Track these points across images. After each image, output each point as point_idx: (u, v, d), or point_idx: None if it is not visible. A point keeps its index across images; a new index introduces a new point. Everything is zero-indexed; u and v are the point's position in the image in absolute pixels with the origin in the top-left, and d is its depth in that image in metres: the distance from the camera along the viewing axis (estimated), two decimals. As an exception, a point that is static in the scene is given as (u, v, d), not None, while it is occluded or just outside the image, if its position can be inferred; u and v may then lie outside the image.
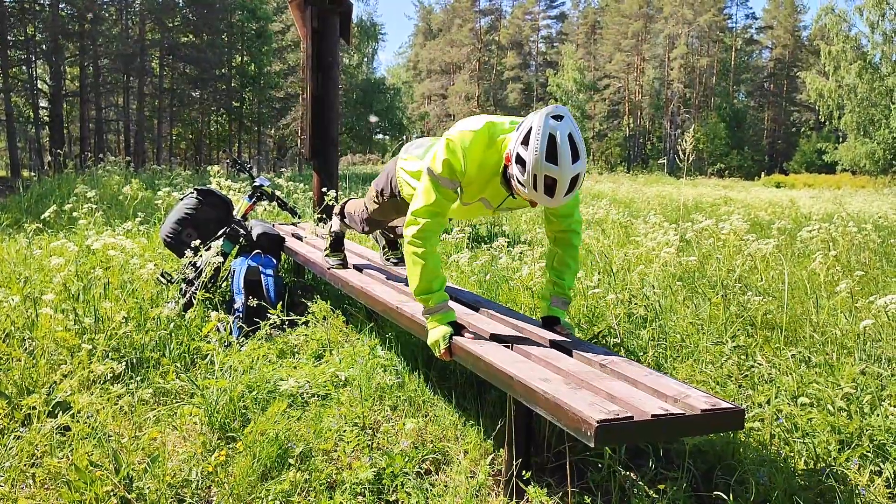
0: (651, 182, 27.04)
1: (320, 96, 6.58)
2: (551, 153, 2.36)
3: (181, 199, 4.96)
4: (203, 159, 33.61)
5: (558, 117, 2.41)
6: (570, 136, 2.39)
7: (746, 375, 3.32)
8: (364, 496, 2.54)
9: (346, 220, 4.05)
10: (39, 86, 29.15)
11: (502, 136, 2.62)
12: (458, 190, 2.74)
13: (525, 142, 2.41)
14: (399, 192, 3.28)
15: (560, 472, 2.59)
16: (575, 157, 2.39)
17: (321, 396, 3.30)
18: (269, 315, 4.01)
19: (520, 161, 2.44)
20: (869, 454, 2.60)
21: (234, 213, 5.03)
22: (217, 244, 4.32)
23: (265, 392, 3.22)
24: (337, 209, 4.16)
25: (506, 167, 2.58)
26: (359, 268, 4.19)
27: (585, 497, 2.40)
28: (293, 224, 6.11)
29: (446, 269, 5.30)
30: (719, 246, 5.55)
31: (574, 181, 2.42)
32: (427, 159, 2.81)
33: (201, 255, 4.28)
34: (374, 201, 3.55)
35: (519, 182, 2.48)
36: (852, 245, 6.11)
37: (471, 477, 2.66)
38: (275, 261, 4.79)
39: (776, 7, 64.01)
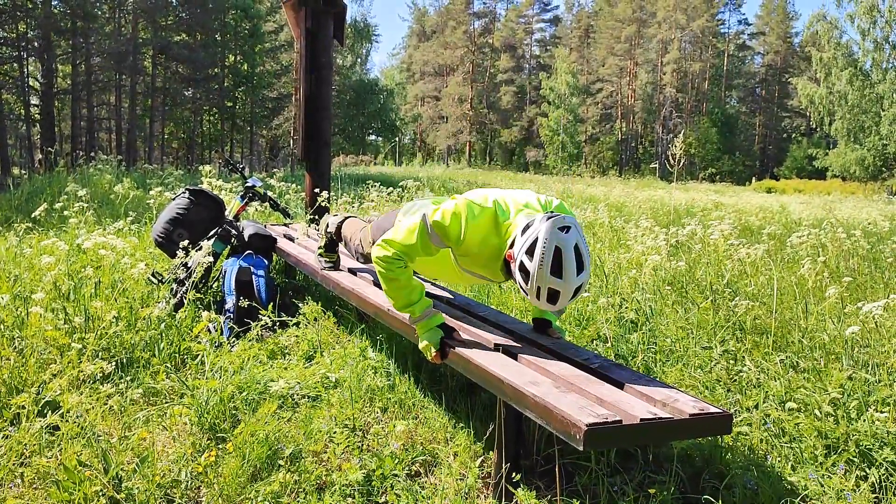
0: (642, 186, 27.14)
1: (313, 97, 6.57)
2: (556, 267, 2.34)
3: (173, 199, 4.95)
4: (195, 159, 33.47)
5: (565, 228, 2.36)
6: (577, 248, 2.36)
7: (735, 380, 3.34)
8: (354, 498, 2.54)
9: (342, 243, 4.03)
10: (31, 83, 28.98)
11: (507, 223, 2.57)
12: (453, 254, 2.70)
13: (530, 251, 2.37)
14: None
15: (549, 476, 2.60)
16: (580, 268, 2.36)
17: (311, 398, 3.31)
18: (260, 316, 4.02)
19: (523, 270, 2.40)
20: (855, 459, 2.62)
21: (226, 213, 5.03)
22: (208, 244, 4.31)
23: (255, 393, 3.23)
24: (333, 224, 4.11)
25: (508, 262, 2.53)
26: (351, 270, 4.19)
27: (574, 500, 2.41)
28: (285, 225, 6.11)
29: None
30: (709, 251, 5.58)
31: (577, 290, 2.40)
32: (429, 207, 2.74)
33: (192, 255, 4.28)
34: (370, 245, 3.54)
35: (521, 288, 2.45)
36: (841, 251, 6.15)
37: (460, 479, 2.67)
38: (266, 261, 4.79)
39: (768, 13, 64.37)
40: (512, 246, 2.48)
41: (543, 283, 2.36)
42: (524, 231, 2.44)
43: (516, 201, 2.65)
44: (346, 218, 4.06)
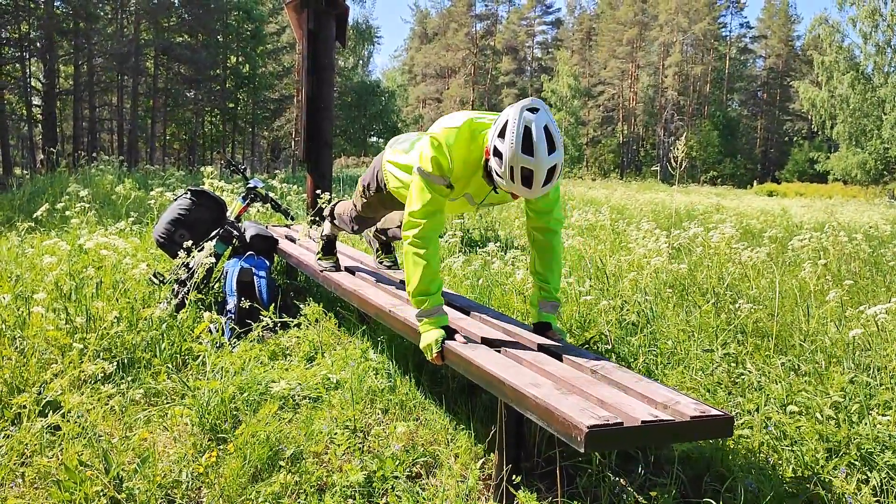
0: (644, 189, 27.14)
1: (315, 98, 6.57)
2: (527, 145, 2.40)
3: (175, 200, 4.95)
4: (196, 160, 33.51)
5: (533, 109, 2.44)
6: (546, 128, 2.42)
7: (736, 383, 3.34)
8: (354, 499, 2.54)
9: (336, 222, 4.05)
10: (33, 83, 29.04)
11: (483, 132, 2.65)
12: (450, 185, 2.75)
13: (501, 134, 2.45)
14: (385, 184, 3.30)
15: (550, 478, 2.60)
16: (551, 148, 2.42)
17: (312, 399, 3.31)
18: (261, 317, 4.02)
19: (497, 153, 2.48)
20: (856, 462, 2.62)
21: (228, 214, 5.03)
22: (210, 245, 4.31)
23: (256, 394, 3.23)
24: (327, 211, 4.17)
25: (486, 161, 2.60)
26: (351, 270, 4.20)
27: (574, 502, 2.41)
28: (287, 226, 6.11)
29: (439, 273, 5.31)
30: (711, 254, 5.57)
31: (551, 172, 2.45)
32: (415, 159, 2.82)
33: (194, 256, 4.28)
34: (361, 197, 3.58)
35: (497, 174, 2.52)
36: (843, 254, 6.15)
37: (461, 481, 2.67)
38: (268, 262, 4.79)
39: (770, 17, 64.36)
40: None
41: (516, 162, 2.42)
42: (496, 122, 2.53)
43: (492, 116, 2.72)
44: (337, 202, 4.11)
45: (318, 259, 4.27)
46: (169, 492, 2.54)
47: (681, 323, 3.99)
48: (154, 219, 6.28)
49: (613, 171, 55.17)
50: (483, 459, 2.79)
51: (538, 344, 2.82)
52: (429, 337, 2.74)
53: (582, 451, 1.94)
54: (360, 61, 51.22)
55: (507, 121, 2.44)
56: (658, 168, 48.48)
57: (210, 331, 3.85)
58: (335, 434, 2.93)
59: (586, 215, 8.23)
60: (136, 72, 29.12)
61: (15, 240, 5.57)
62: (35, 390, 2.98)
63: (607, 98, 61.32)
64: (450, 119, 2.75)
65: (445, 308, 2.93)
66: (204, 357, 3.53)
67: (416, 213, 2.73)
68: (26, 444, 2.68)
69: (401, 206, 3.27)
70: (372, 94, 41.78)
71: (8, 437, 2.72)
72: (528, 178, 2.44)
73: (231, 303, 4.41)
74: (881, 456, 2.60)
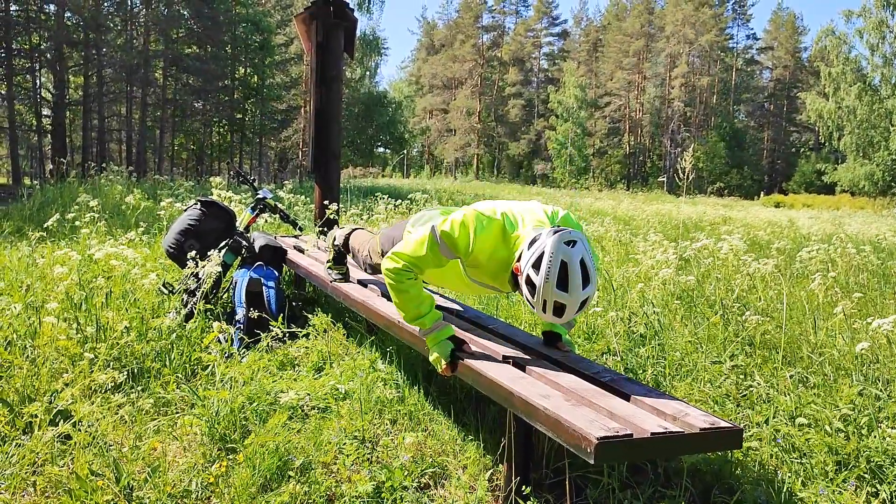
0: (651, 200, 27.12)
1: (323, 109, 6.61)
2: (562, 281, 2.35)
3: (185, 210, 4.98)
4: (205, 170, 33.68)
5: (571, 242, 2.38)
6: (582, 262, 2.37)
7: (745, 395, 3.34)
8: (363, 509, 2.54)
9: (350, 255, 4.06)
10: (43, 94, 29.27)
11: (515, 235, 2.59)
12: (462, 265, 2.74)
13: (536, 265, 2.39)
14: None
15: (559, 489, 2.60)
16: (586, 282, 2.38)
17: (321, 409, 3.31)
18: (270, 327, 4.03)
19: (530, 283, 2.42)
20: (866, 475, 2.62)
21: (237, 224, 5.05)
22: (218, 255, 4.34)
23: (266, 404, 3.24)
24: (341, 236, 4.15)
25: (515, 274, 2.55)
26: (361, 282, 4.21)
27: (584, 514, 2.41)
28: (295, 236, 6.13)
29: (447, 284, 5.32)
30: (718, 265, 5.57)
31: (583, 303, 2.42)
32: (438, 219, 2.76)
33: (203, 266, 4.30)
34: (379, 255, 3.59)
35: (528, 301, 2.47)
36: (851, 266, 6.14)
37: (469, 492, 2.67)
38: (276, 273, 4.81)
39: (777, 28, 64.43)
40: (519, 259, 2.50)
41: (549, 296, 2.38)
42: (531, 245, 2.46)
43: (523, 213, 2.67)
44: (354, 230, 4.09)
45: (329, 268, 4.28)
46: (179, 501, 2.55)
47: (689, 334, 3.99)
48: (163, 229, 6.31)
49: (620, 182, 55.18)
50: (492, 470, 2.79)
51: (546, 355, 2.83)
52: (437, 350, 2.75)
53: (592, 462, 1.95)
54: (368, 72, 51.39)
55: (542, 252, 2.38)
56: (664, 179, 48.50)
57: (219, 341, 3.86)
58: (344, 444, 2.94)
59: (593, 226, 8.23)
60: (145, 83, 29.29)
61: (25, 250, 5.61)
62: (46, 399, 3.00)
63: (614, 109, 61.40)
64: (488, 208, 2.69)
65: (451, 319, 2.93)
66: (213, 367, 3.55)
67: (401, 255, 2.71)
68: (37, 453, 2.69)
69: None
70: (379, 105, 41.92)
71: (19, 445, 2.74)
72: (559, 311, 2.40)
73: (240, 313, 4.43)
74: (891, 469, 2.60)
